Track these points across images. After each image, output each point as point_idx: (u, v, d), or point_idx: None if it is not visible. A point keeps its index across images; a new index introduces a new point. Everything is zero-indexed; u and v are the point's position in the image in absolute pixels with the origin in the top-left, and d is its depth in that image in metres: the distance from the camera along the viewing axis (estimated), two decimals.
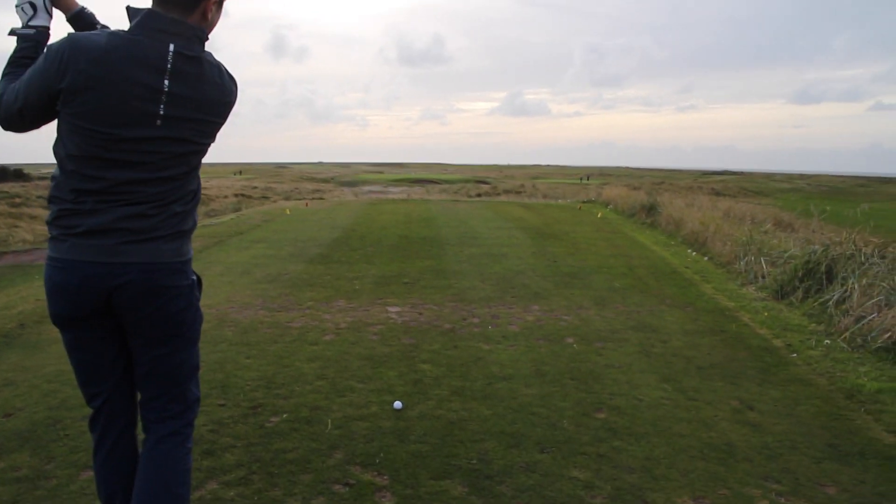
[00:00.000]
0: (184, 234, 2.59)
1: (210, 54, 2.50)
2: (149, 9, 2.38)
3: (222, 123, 2.61)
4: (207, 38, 2.50)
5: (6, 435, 4.12)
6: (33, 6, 2.55)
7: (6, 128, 2.44)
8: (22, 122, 2.42)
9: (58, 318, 2.53)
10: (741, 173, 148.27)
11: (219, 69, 2.52)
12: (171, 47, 2.36)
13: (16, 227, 34.27)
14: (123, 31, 2.38)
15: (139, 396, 2.72)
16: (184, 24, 2.39)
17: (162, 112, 2.36)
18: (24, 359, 5.74)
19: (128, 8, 2.42)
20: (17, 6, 2.53)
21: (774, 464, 3.86)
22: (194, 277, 2.68)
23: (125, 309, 2.49)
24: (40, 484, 3.53)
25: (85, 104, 2.29)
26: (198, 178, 2.65)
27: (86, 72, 2.26)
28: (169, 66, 2.36)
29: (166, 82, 2.36)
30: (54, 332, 6.34)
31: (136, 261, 2.42)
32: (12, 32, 2.52)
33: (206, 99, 2.47)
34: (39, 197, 46.11)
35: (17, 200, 43.82)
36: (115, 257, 2.40)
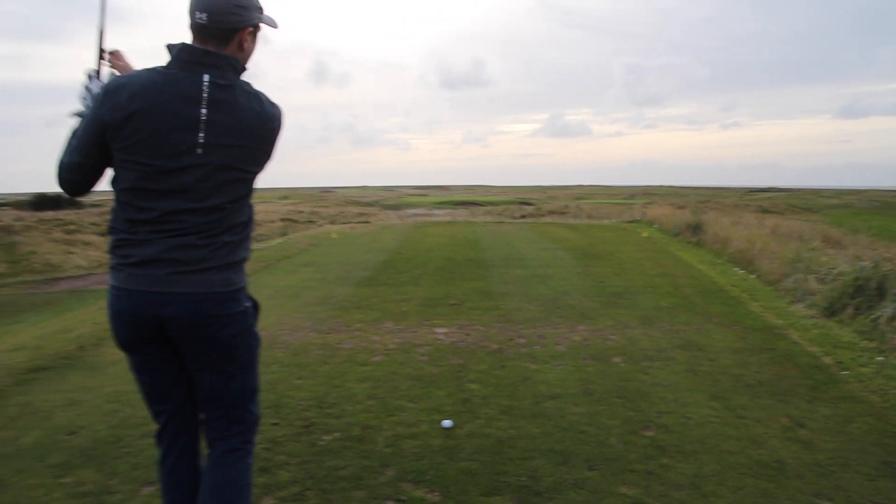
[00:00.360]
0: (235, 265, 2.63)
1: (248, 83, 2.57)
2: (183, 43, 2.51)
3: (268, 150, 2.63)
4: (245, 69, 2.60)
5: (71, 452, 4.30)
6: (90, 91, 2.74)
7: (71, 191, 2.57)
8: (83, 172, 2.55)
9: (119, 343, 2.68)
10: (788, 190, 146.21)
11: (257, 97, 2.57)
12: (206, 78, 2.46)
13: (70, 253, 35.11)
14: (161, 66, 2.50)
15: (202, 415, 2.83)
16: (218, 56, 2.48)
17: (202, 140, 2.44)
18: (85, 380, 5.94)
19: (168, 46, 2.53)
20: (79, 97, 2.74)
21: (826, 481, 3.85)
22: (248, 304, 2.75)
23: (177, 337, 2.60)
24: (105, 499, 3.69)
25: (128, 138, 2.41)
26: (250, 208, 2.70)
27: (127, 107, 2.39)
28: (205, 95, 2.45)
29: (203, 111, 2.44)
30: (112, 354, 6.59)
31: (185, 290, 2.51)
32: (78, 115, 2.68)
33: (246, 125, 2.51)
34: (92, 224, 47.17)
35: (72, 227, 44.87)
36: (165, 287, 2.50)
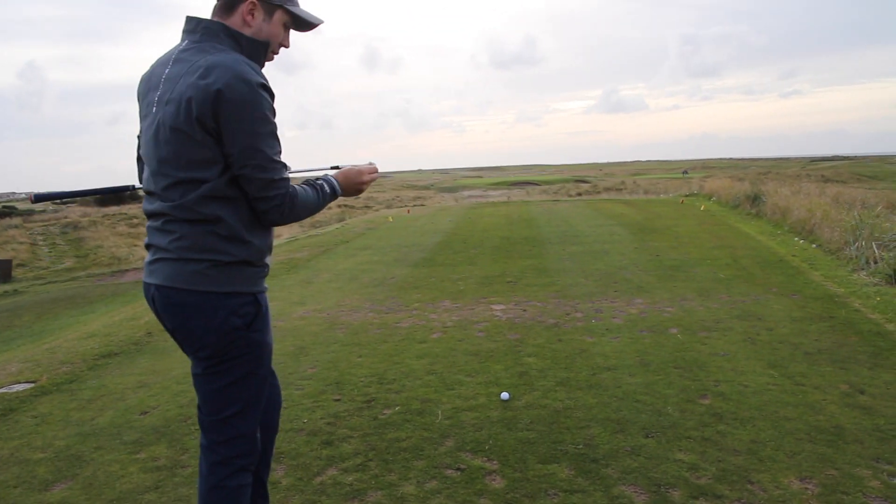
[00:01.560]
0: (196, 262, 2.36)
1: (229, 54, 2.32)
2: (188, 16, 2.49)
3: (195, 131, 2.27)
4: (256, 42, 2.45)
5: (144, 430, 4.50)
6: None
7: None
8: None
9: None
10: (853, 158, 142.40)
11: (215, 71, 2.25)
12: (185, 42, 2.43)
13: (135, 245, 36.03)
14: None
15: None
16: (198, 20, 2.42)
17: (154, 109, 2.39)
18: (154, 363, 6.18)
19: None
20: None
21: (887, 446, 3.81)
22: (236, 319, 2.43)
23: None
24: (177, 472, 3.87)
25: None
26: (224, 207, 2.35)
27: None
28: (173, 56, 2.41)
29: (167, 70, 2.39)
30: None
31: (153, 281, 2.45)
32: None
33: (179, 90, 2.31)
34: None
35: (136, 221, 45.98)
36: (147, 276, 2.48)
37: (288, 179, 2.40)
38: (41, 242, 39.28)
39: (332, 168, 2.77)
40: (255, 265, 2.46)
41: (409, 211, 25.28)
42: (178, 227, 2.34)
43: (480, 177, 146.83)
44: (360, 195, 2.76)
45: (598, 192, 50.42)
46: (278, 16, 2.49)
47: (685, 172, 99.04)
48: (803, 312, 6.76)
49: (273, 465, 3.84)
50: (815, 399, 4.49)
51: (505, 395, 4.70)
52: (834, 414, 4.25)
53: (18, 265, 31.29)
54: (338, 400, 4.85)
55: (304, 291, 9.36)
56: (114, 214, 49.31)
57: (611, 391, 4.75)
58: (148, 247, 2.47)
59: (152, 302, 2.49)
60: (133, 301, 13.63)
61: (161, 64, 2.43)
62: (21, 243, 38.00)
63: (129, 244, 37.24)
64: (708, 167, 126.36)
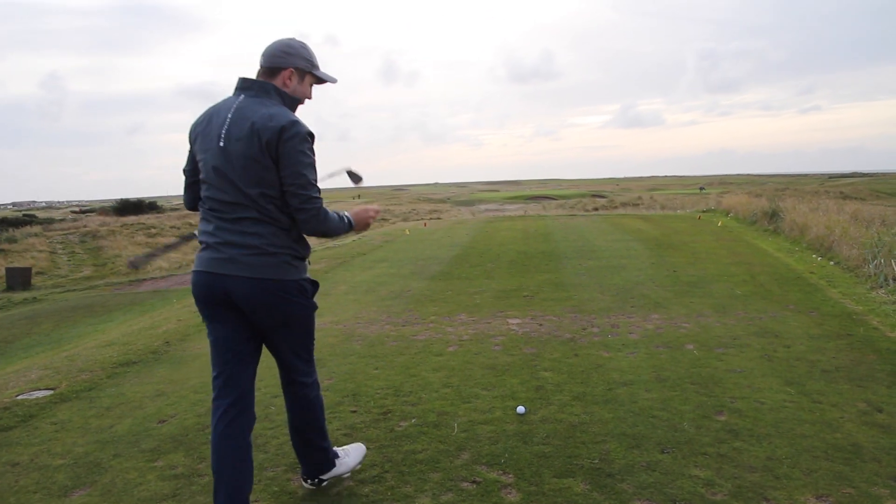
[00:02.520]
0: (278, 255, 3.22)
1: (280, 107, 3.18)
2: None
3: (271, 166, 3.10)
4: (292, 99, 3.29)
5: (162, 438, 4.55)
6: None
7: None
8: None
9: None
10: (872, 174, 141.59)
11: (276, 118, 3.09)
12: (241, 96, 3.24)
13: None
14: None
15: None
16: (252, 80, 3.27)
17: (222, 143, 3.15)
18: (172, 372, 6.24)
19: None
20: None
21: None
22: (304, 297, 3.38)
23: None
24: (195, 480, 3.90)
25: None
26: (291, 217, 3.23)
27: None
28: (234, 105, 3.20)
29: (229, 116, 3.17)
30: (196, 349, 6.90)
31: None
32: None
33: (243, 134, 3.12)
34: (173, 227, 48.52)
35: (153, 231, 46.29)
36: (218, 268, 3.22)
37: (321, 199, 3.16)
38: (60, 251, 39.58)
39: (347, 171, 3.94)
40: (307, 260, 3.37)
41: (425, 224, 25.33)
42: (262, 229, 3.13)
43: (497, 190, 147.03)
44: (367, 229, 3.60)
45: (615, 207, 50.36)
46: (308, 79, 3.36)
47: (702, 188, 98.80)
48: (821, 330, 6.73)
49: (289, 475, 3.90)
50: (833, 417, 4.48)
51: (521, 409, 4.71)
52: (851, 432, 4.23)
53: (38, 273, 31.57)
54: (354, 411, 4.88)
55: (322, 303, 9.32)
56: (132, 224, 49.65)
57: (627, 406, 4.75)
58: (220, 245, 3.15)
59: (224, 292, 3.16)
60: (151, 310, 13.73)
61: (221, 110, 3.21)
62: (40, 251, 38.31)
63: (147, 254, 37.43)
64: (725, 183, 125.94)
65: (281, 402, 5.15)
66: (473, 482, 3.71)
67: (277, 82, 3.25)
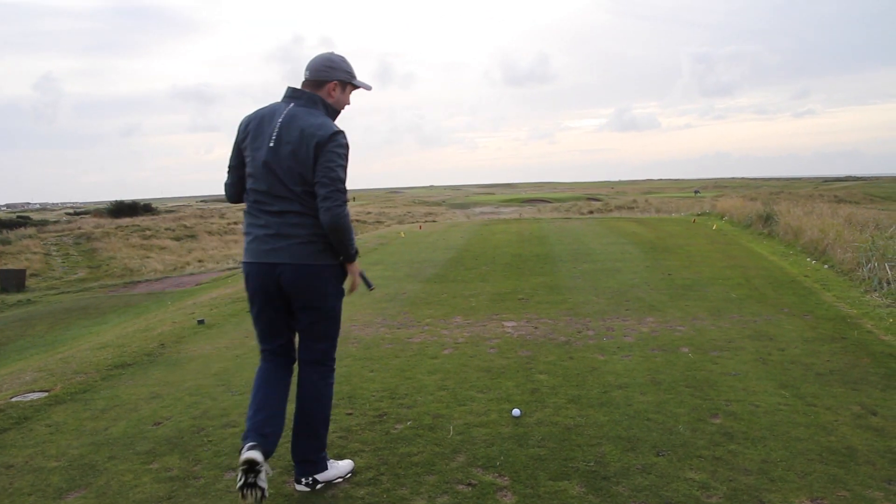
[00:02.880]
0: (317, 244, 3.63)
1: (326, 117, 3.63)
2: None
3: (313, 165, 3.51)
4: (335, 109, 3.74)
5: (157, 441, 4.54)
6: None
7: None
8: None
9: None
10: (866, 178, 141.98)
11: (323, 127, 3.52)
12: (291, 105, 3.66)
13: (147, 257, 36.18)
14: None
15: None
16: (302, 91, 3.69)
17: (272, 144, 3.57)
18: (167, 374, 6.23)
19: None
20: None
21: None
22: (336, 281, 3.78)
23: None
24: (190, 483, 3.90)
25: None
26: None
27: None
28: (284, 112, 3.62)
29: (279, 121, 3.59)
30: (192, 351, 6.90)
31: None
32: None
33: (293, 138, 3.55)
34: (168, 229, 48.48)
35: (148, 233, 46.23)
36: (265, 257, 3.65)
37: (345, 199, 3.53)
38: (55, 253, 39.54)
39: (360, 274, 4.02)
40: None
41: (420, 227, 25.33)
42: (304, 221, 3.54)
43: (492, 193, 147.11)
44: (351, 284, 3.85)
45: (610, 211, 50.46)
46: (348, 89, 3.79)
47: (697, 192, 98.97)
48: (815, 333, 6.75)
49: (285, 477, 3.90)
50: (827, 420, 4.49)
51: (516, 412, 4.72)
52: (846, 435, 4.24)
53: (32, 275, 31.51)
54: (350, 414, 4.88)
55: None
56: (127, 226, 49.60)
57: (622, 409, 4.76)
58: (269, 237, 3.57)
59: (274, 279, 3.59)
60: (146, 312, 13.71)
61: (271, 114, 3.64)
62: (35, 253, 38.26)
63: (142, 256, 37.43)
64: (720, 186, 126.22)
65: None
66: (469, 485, 3.71)
67: (323, 93, 3.68)
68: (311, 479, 3.74)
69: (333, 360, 3.87)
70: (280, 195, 3.55)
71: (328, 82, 3.68)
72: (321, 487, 3.74)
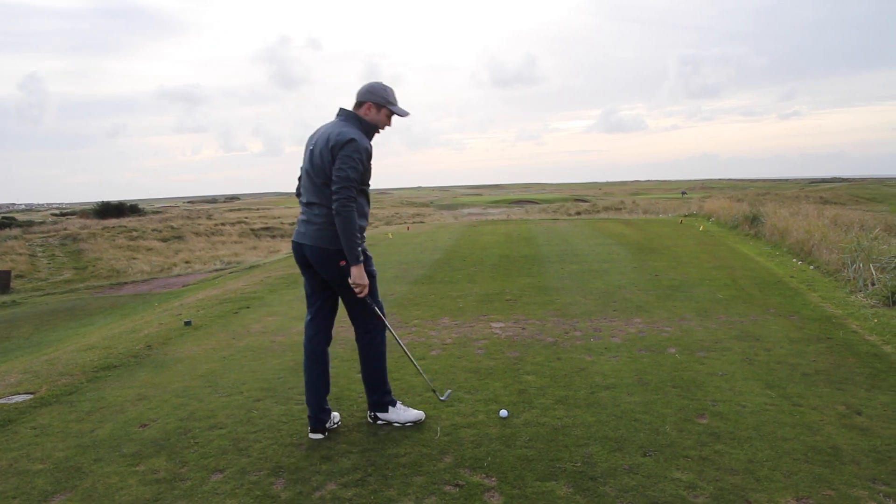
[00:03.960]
0: (331, 230, 4.33)
1: (353, 128, 4.29)
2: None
3: (330, 165, 4.23)
4: (371, 125, 4.42)
5: (144, 442, 4.52)
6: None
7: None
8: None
9: None
10: (851, 180, 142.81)
11: (342, 135, 4.21)
12: (335, 120, 4.44)
13: (134, 259, 36.01)
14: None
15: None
16: (344, 111, 4.45)
17: (312, 149, 4.38)
18: (154, 376, 6.20)
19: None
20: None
21: (883, 466, 3.84)
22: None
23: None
24: (177, 485, 3.88)
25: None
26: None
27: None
28: (327, 126, 4.41)
29: (321, 132, 4.39)
30: (179, 353, 6.86)
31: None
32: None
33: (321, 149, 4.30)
34: (154, 230, 48.27)
35: (135, 234, 46.01)
36: (299, 238, 4.52)
37: (353, 193, 4.18)
38: (40, 254, 39.31)
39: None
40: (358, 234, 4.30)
41: (408, 228, 25.32)
42: (324, 212, 4.29)
43: (480, 194, 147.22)
44: (359, 280, 4.34)
45: (598, 212, 50.57)
46: (383, 111, 4.46)
47: (684, 193, 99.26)
48: (801, 333, 6.78)
49: (272, 478, 3.90)
50: (813, 420, 4.52)
51: (504, 413, 4.72)
52: (831, 435, 4.27)
53: (17, 276, 31.31)
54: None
55: (304, 307, 9.36)
56: (113, 227, 49.36)
57: (609, 410, 4.77)
58: (302, 222, 4.44)
59: (302, 254, 4.45)
60: (132, 314, 13.65)
61: (321, 128, 4.43)
62: (20, 254, 38.03)
63: (128, 257, 37.26)
64: (707, 187, 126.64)
65: (263, 405, 5.15)
66: (456, 485, 3.71)
67: (361, 112, 4.42)
68: (373, 414, 4.72)
69: (372, 325, 4.66)
70: (309, 190, 4.39)
71: (364, 103, 4.42)
72: (313, 487, 3.74)
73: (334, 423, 4.63)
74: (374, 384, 4.67)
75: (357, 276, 4.29)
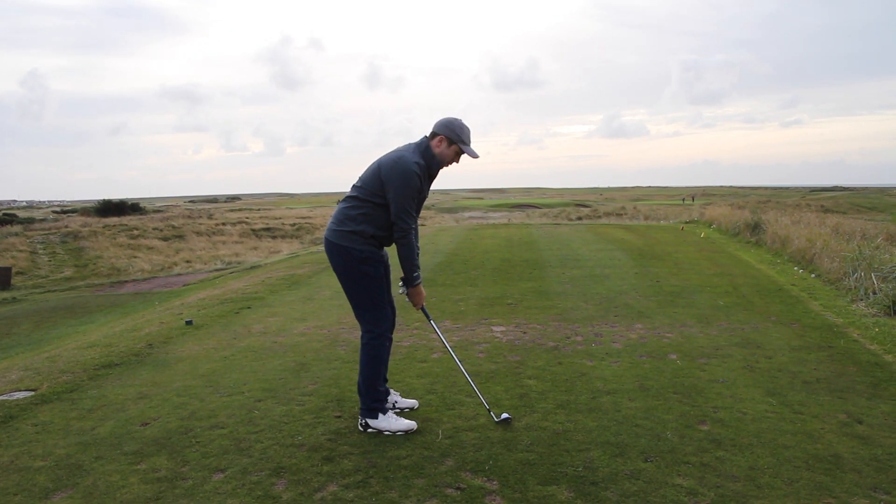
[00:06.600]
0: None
1: (413, 156, 4.46)
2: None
3: (382, 188, 4.47)
4: (434, 158, 4.54)
5: (145, 441, 4.52)
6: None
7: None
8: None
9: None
10: (853, 189, 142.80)
11: (400, 161, 4.42)
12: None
13: (135, 257, 35.99)
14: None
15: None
16: (418, 141, 4.61)
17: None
18: (155, 375, 6.20)
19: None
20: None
21: (884, 475, 3.84)
22: (351, 260, 4.61)
23: None
24: (178, 484, 3.88)
25: None
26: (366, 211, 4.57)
27: None
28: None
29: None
30: (180, 352, 6.86)
31: None
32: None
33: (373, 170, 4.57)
34: (155, 229, 48.25)
35: (136, 232, 45.99)
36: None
37: (410, 226, 4.50)
38: (41, 251, 39.27)
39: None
40: (364, 237, 4.55)
41: None
42: (346, 213, 4.56)
43: (481, 198, 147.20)
44: (417, 299, 4.89)
45: (599, 217, 50.59)
46: (454, 147, 4.58)
47: (684, 199, 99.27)
48: (802, 341, 6.79)
49: (274, 479, 3.89)
50: (814, 427, 4.52)
51: (505, 416, 4.72)
52: (832, 443, 4.27)
53: (18, 273, 31.29)
54: (339, 417, 4.88)
55: (305, 308, 9.39)
56: (114, 225, 49.34)
57: (610, 415, 4.78)
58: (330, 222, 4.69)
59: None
60: (133, 312, 13.64)
61: (396, 150, 4.58)
62: (21, 251, 37.99)
63: (129, 255, 37.23)
64: (708, 194, 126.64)
65: (264, 406, 5.15)
66: (458, 488, 3.71)
67: (433, 142, 4.57)
68: (364, 421, 4.64)
69: (367, 328, 4.73)
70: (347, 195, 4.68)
71: (438, 135, 4.57)
72: (315, 488, 3.74)
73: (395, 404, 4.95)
74: (363, 388, 4.67)
75: (411, 294, 4.81)
